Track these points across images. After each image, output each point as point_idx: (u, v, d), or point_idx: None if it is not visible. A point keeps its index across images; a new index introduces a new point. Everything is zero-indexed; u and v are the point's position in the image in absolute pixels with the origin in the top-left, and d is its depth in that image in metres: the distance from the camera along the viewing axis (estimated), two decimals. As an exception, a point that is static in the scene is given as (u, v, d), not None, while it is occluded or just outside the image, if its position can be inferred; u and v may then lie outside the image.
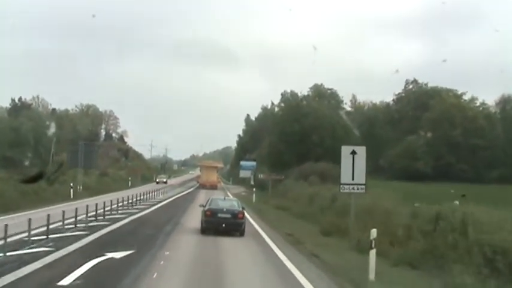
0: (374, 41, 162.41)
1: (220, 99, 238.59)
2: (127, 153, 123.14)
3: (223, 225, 22.26)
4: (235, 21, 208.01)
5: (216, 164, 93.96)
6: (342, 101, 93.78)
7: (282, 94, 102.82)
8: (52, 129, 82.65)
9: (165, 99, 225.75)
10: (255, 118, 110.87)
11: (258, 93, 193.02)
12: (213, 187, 78.59)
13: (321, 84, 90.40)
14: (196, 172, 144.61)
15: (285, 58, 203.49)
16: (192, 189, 79.24)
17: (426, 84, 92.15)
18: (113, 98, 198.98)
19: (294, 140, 64.10)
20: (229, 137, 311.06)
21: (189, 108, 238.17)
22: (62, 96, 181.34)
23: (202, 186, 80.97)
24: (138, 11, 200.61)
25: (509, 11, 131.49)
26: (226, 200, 26.12)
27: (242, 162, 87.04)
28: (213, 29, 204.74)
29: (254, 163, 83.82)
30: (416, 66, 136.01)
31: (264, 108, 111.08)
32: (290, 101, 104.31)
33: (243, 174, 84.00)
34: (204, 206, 23.84)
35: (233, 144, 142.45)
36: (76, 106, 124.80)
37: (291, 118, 66.73)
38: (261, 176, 59.49)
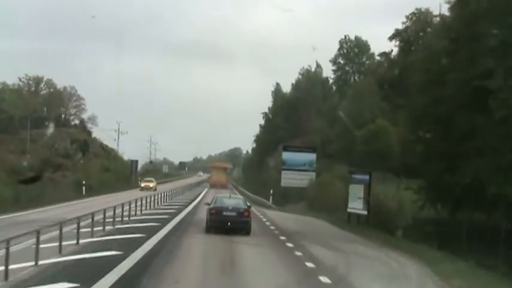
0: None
1: (221, 100, 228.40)
2: (86, 146, 79.49)
3: (229, 223, 21.71)
4: (234, 21, 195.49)
5: (225, 165, 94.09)
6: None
7: (340, 41, 59.88)
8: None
9: (163, 101, 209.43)
10: (292, 87, 66.60)
11: (259, 95, 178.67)
12: (223, 186, 77.50)
13: None
14: (190, 179, 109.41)
15: (286, 58, 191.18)
16: None
17: None
18: (108, 98, 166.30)
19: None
20: (234, 138, 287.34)
21: (189, 110, 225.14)
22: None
23: (213, 185, 78.46)
24: (134, 10, 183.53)
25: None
26: (232, 197, 25.22)
27: (287, 155, 41.09)
28: (214, 29, 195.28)
29: (313, 155, 40.32)
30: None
31: (306, 72, 67.38)
32: (356, 52, 61.21)
33: (288, 181, 39.67)
34: (209, 204, 23.15)
35: (241, 145, 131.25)
36: (21, 79, 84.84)
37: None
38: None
